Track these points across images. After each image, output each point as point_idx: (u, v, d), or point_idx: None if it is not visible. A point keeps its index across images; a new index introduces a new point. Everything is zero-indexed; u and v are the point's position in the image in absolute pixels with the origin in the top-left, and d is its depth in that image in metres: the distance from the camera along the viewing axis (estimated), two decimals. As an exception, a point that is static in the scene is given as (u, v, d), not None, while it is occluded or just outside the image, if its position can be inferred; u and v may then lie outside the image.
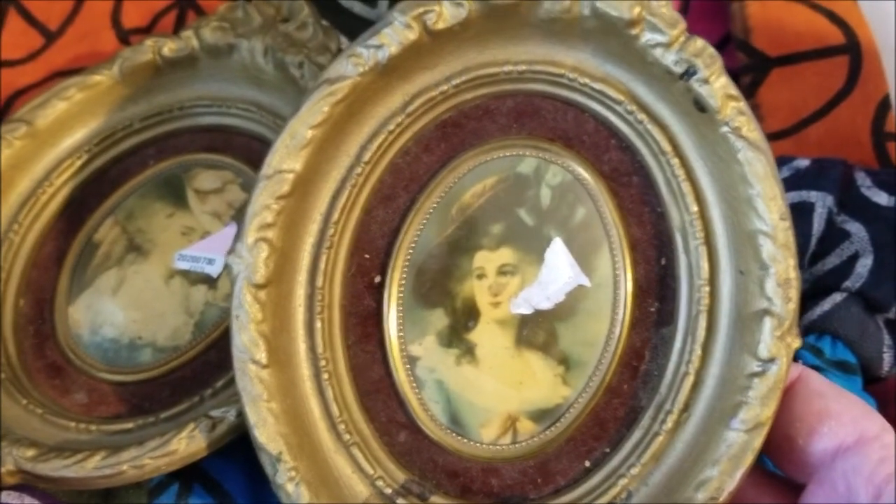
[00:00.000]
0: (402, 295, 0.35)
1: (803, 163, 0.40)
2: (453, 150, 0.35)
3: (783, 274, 0.30)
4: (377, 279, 0.35)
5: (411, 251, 0.35)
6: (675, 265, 0.33)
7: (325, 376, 0.34)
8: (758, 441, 0.29)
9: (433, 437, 0.34)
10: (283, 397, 0.33)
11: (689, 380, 0.32)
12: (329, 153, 0.34)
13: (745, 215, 0.30)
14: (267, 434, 0.32)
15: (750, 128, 0.30)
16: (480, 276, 0.35)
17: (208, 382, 0.38)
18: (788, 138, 0.43)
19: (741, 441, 0.30)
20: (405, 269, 0.35)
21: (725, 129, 0.30)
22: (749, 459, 0.29)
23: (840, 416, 0.29)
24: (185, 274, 0.41)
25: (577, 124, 0.35)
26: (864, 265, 0.37)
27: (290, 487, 0.31)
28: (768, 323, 0.30)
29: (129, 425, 0.38)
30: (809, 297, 0.38)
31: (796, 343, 0.30)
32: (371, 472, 0.33)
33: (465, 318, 0.34)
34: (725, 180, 0.31)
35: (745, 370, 0.30)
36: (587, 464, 0.33)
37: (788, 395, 0.30)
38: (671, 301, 0.33)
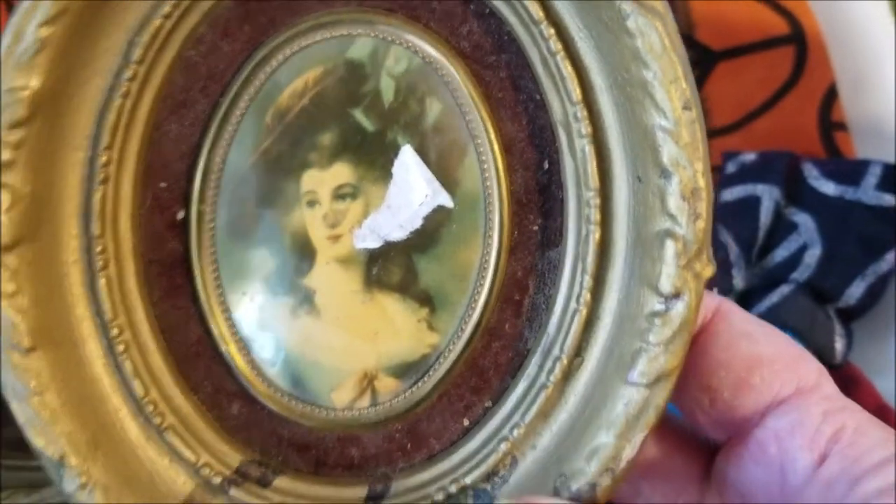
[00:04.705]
0: (213, 233, 0.27)
1: (749, 156, 0.40)
2: (260, 34, 0.26)
3: (689, 183, 0.22)
4: (180, 214, 0.27)
5: (219, 174, 0.27)
6: (561, 170, 0.26)
7: (121, 347, 0.26)
8: (661, 397, 0.23)
9: (272, 406, 0.27)
10: (62, 385, 0.25)
11: (581, 317, 0.25)
12: (80, 56, 0.25)
13: (640, 104, 0.23)
14: (43, 435, 0.25)
15: None
16: (312, 203, 0.27)
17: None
18: (736, 132, 0.43)
19: (641, 398, 0.23)
20: (214, 199, 0.27)
21: None
22: (651, 420, 0.23)
23: (773, 363, 0.24)
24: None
25: None
26: (813, 256, 0.37)
27: (81, 496, 0.25)
28: (671, 247, 0.23)
29: None
30: (758, 290, 0.38)
31: (707, 271, 0.23)
32: (193, 459, 0.27)
33: (297, 258, 0.27)
34: (615, 58, 0.23)
35: (646, 308, 0.23)
36: (466, 422, 0.27)
37: (707, 335, 0.25)
38: (558, 216, 0.26)
